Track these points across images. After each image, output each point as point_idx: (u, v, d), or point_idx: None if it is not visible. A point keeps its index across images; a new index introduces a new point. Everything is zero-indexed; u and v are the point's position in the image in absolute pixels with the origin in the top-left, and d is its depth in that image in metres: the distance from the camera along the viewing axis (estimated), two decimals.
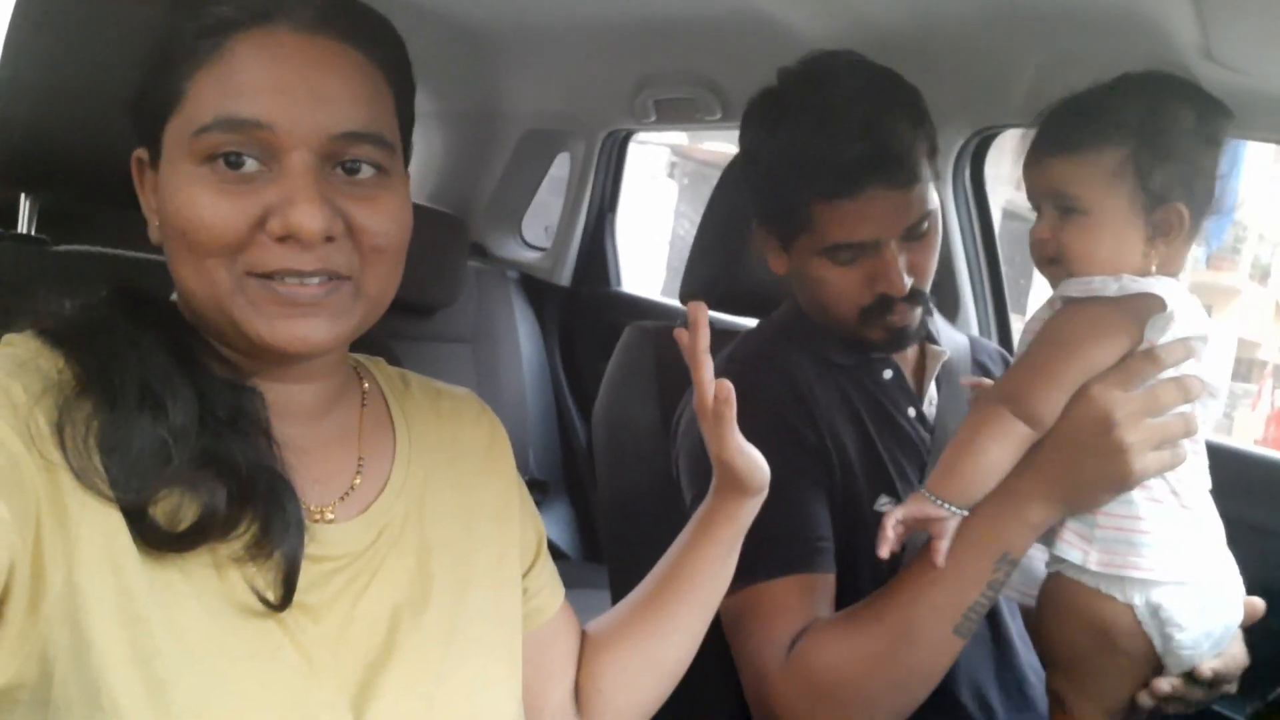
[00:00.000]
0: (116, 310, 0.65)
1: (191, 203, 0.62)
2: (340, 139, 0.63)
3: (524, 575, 0.84)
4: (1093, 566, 0.91)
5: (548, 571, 0.88)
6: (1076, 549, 0.93)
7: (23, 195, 1.07)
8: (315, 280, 0.64)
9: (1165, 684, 0.91)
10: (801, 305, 1.17)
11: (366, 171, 0.66)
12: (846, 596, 1.06)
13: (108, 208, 1.04)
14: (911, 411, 1.14)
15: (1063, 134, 0.92)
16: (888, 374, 1.14)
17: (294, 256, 0.62)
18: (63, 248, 1.05)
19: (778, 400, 1.07)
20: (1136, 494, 0.91)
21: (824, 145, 1.00)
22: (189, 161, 0.62)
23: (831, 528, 1.06)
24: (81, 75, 0.92)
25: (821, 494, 1.05)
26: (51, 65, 0.92)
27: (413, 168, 0.74)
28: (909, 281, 1.04)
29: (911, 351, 1.18)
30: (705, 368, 0.79)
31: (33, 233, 1.07)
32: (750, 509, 0.88)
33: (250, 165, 0.62)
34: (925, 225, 1.06)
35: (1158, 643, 0.91)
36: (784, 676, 0.96)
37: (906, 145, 1.02)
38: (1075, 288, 0.92)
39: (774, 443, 1.01)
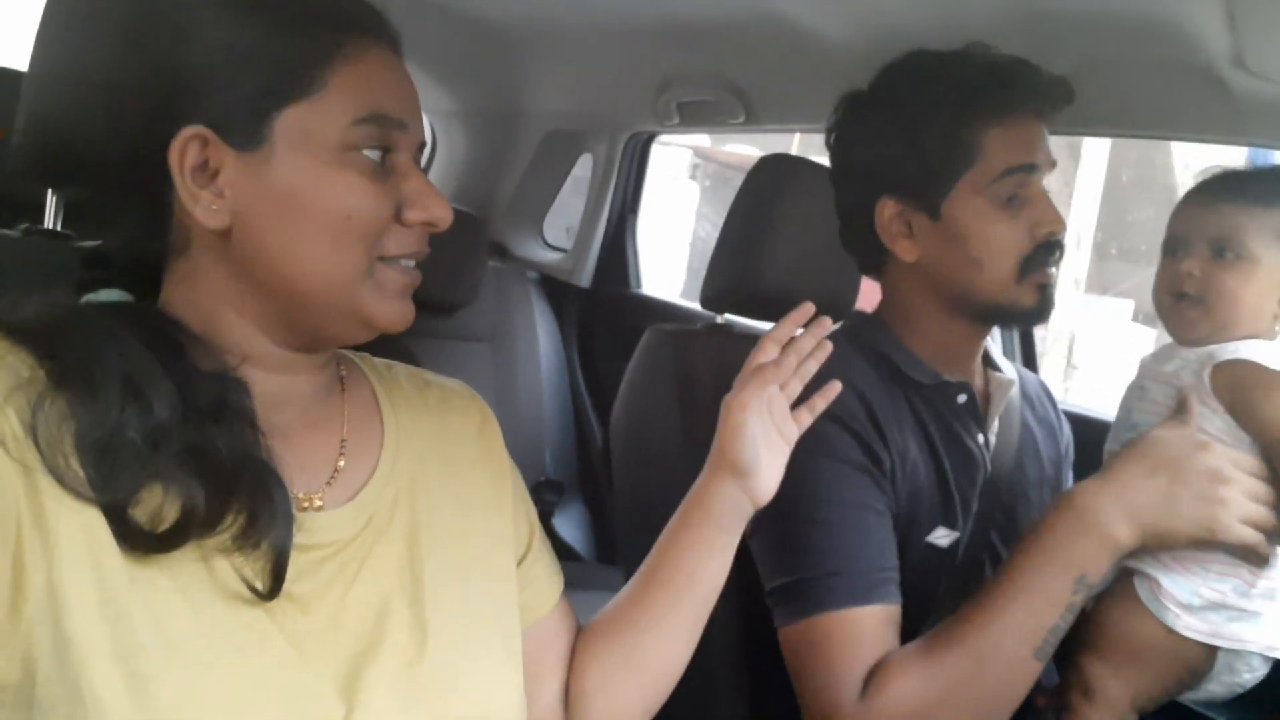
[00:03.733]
0: (90, 305, 0.65)
1: (350, 188, 0.66)
2: (420, 146, 0.73)
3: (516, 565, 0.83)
4: (1181, 630, 0.93)
5: (542, 565, 0.87)
6: (1169, 611, 0.94)
7: (50, 191, 1.08)
8: (415, 264, 0.73)
9: None
10: (942, 277, 1.08)
11: None
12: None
13: None
14: (981, 438, 1.11)
15: (1246, 185, 0.99)
16: (962, 398, 1.10)
17: (421, 241, 0.72)
18: (88, 243, 1.06)
19: (854, 417, 1.03)
20: (1245, 573, 0.93)
21: (993, 71, 1.03)
22: (332, 149, 0.66)
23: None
24: (108, 73, 0.92)
25: (889, 520, 1.02)
26: (78, 63, 0.93)
27: (435, 167, 0.76)
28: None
29: (979, 378, 1.15)
30: (764, 352, 0.88)
31: (59, 228, 1.08)
32: (729, 499, 0.85)
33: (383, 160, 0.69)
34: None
35: (1220, 665, 0.94)
36: (860, 713, 0.92)
37: (1054, 78, 1.05)
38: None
39: (850, 460, 1.01)
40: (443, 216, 0.71)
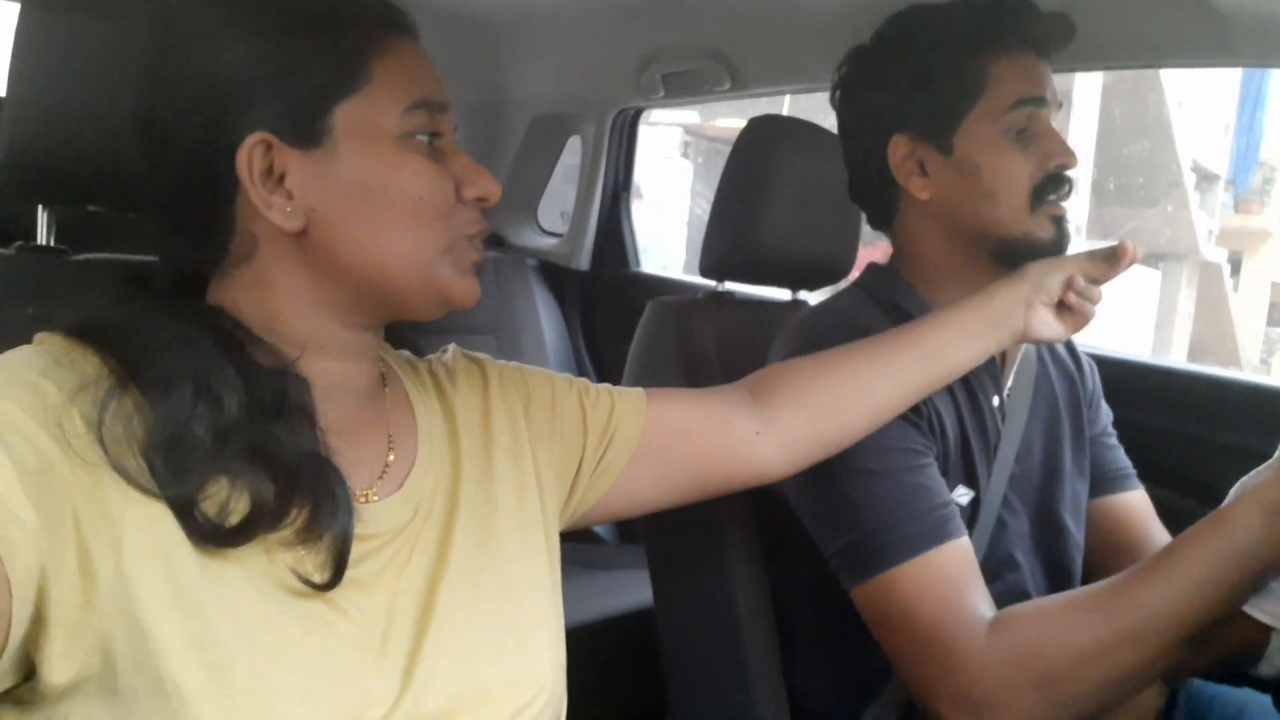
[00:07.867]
0: (154, 304, 0.66)
1: (415, 172, 0.69)
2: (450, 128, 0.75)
3: (597, 459, 0.88)
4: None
5: (608, 409, 0.90)
6: None
7: (40, 207, 1.08)
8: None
9: None
10: (957, 214, 1.08)
11: None
12: None
13: (123, 216, 1.04)
14: (995, 400, 1.10)
15: None
16: None
17: (482, 220, 0.75)
18: (81, 257, 1.06)
19: None
20: None
21: (995, 8, 1.04)
22: (391, 137, 0.68)
23: None
24: (89, 88, 0.92)
25: (935, 463, 1.02)
26: (58, 80, 0.92)
27: None
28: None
29: None
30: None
31: (51, 243, 1.08)
32: (1003, 300, 0.99)
33: None
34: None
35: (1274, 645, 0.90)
36: (987, 653, 0.88)
37: (1054, 14, 1.06)
38: None
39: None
40: (494, 191, 0.74)
